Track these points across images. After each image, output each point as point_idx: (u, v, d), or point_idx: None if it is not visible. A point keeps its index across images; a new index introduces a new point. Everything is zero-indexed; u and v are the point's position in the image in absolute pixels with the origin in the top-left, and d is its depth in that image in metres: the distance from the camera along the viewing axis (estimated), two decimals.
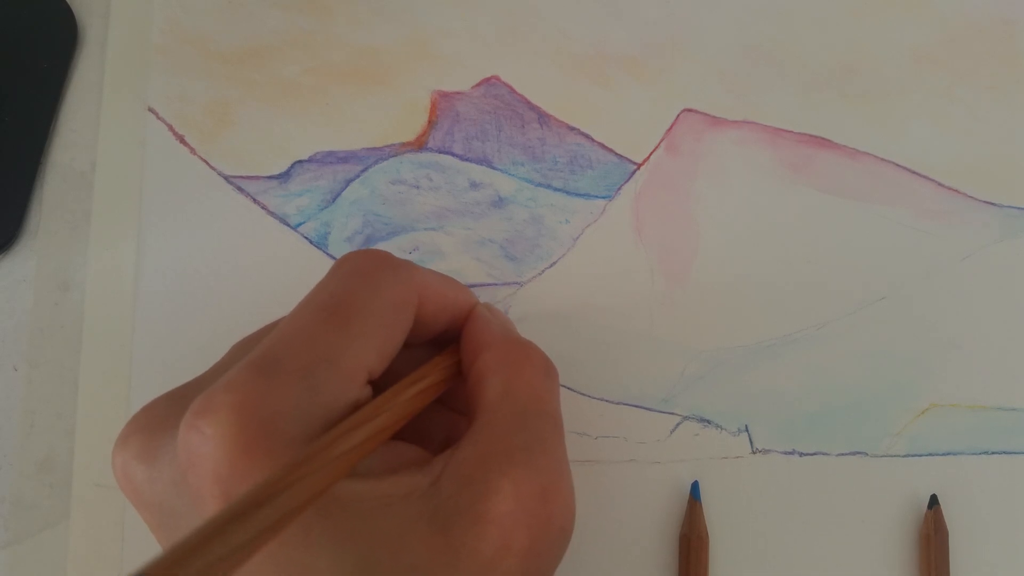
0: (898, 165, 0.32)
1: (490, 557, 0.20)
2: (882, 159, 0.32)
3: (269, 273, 0.30)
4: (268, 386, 0.19)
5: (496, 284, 0.30)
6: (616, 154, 0.31)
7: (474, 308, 0.25)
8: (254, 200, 0.31)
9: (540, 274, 0.31)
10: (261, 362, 0.20)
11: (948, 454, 0.30)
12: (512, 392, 0.22)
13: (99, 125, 0.31)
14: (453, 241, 0.31)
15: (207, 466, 0.19)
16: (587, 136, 0.32)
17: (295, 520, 0.17)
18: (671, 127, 0.32)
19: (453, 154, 0.31)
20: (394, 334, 0.22)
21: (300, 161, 0.31)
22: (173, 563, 0.15)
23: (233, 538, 0.16)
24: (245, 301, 0.30)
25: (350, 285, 0.22)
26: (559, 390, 0.24)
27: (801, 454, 0.29)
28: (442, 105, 0.32)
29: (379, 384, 0.22)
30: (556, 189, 0.31)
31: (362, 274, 0.22)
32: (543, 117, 0.32)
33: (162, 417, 0.21)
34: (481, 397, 0.23)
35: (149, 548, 0.28)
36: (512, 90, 0.32)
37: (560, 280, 0.30)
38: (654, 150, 0.32)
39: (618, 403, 0.30)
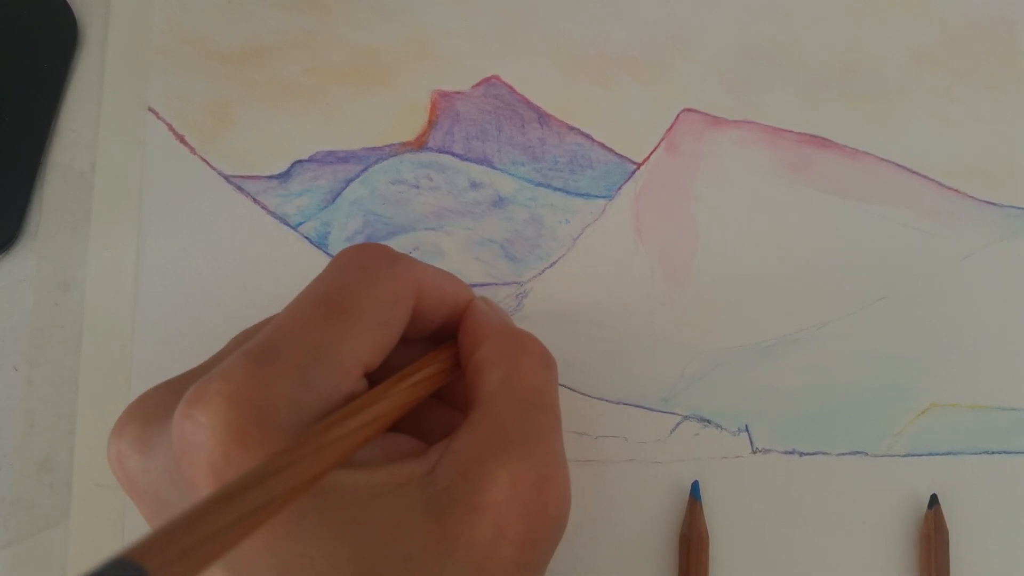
0: (898, 165, 0.32)
1: (486, 545, 0.20)
2: (882, 159, 0.32)
3: (269, 273, 0.30)
4: (263, 376, 0.19)
5: (496, 284, 0.30)
6: (616, 154, 0.31)
7: (472, 302, 0.25)
8: (254, 200, 0.31)
9: (540, 274, 0.31)
10: (257, 352, 0.20)
11: (948, 454, 0.30)
12: (510, 383, 0.22)
13: (99, 125, 0.31)
14: (453, 241, 0.31)
15: (201, 455, 0.19)
16: (587, 136, 0.32)
17: (286, 506, 0.17)
18: (671, 127, 0.32)
19: (453, 154, 0.31)
20: (391, 328, 0.22)
21: (300, 161, 0.31)
22: (158, 544, 0.15)
23: (220, 520, 0.16)
24: (245, 301, 0.30)
25: (348, 278, 0.22)
26: (557, 382, 0.24)
27: (801, 454, 0.29)
28: (442, 105, 0.32)
29: (376, 378, 0.22)
30: (556, 189, 0.31)
31: (360, 268, 0.22)
32: (543, 117, 0.32)
33: (158, 406, 0.21)
34: (479, 388, 0.23)
35: None
36: (512, 90, 0.32)
37: (560, 280, 0.30)
38: (654, 150, 0.32)
39: (618, 403, 0.30)
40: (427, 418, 0.25)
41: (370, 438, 0.20)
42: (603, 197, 0.31)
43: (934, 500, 0.29)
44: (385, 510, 0.20)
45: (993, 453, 0.30)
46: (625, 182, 0.31)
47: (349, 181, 0.31)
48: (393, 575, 0.19)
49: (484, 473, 0.20)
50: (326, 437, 0.19)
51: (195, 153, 0.31)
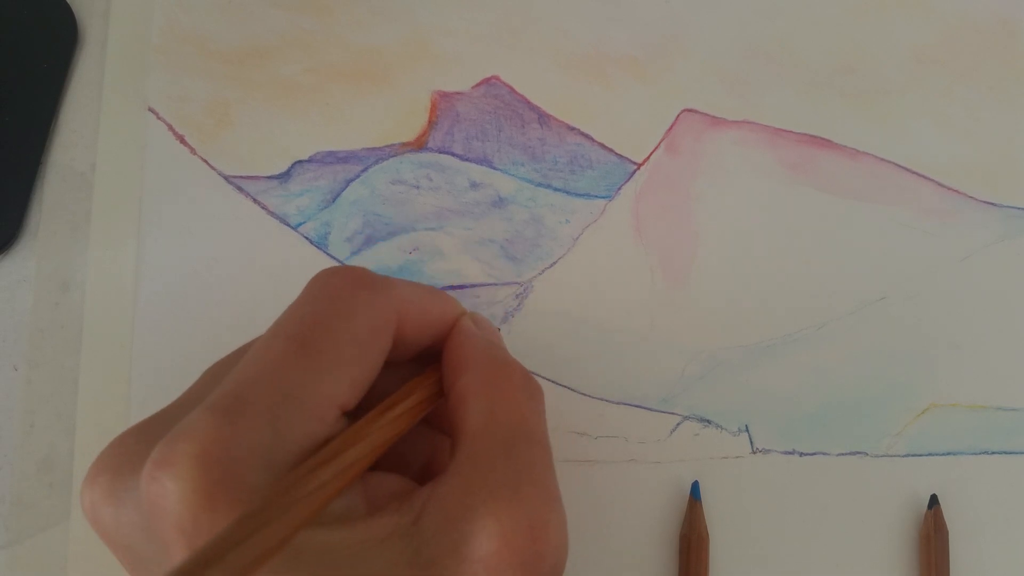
0: (898, 165, 0.32)
1: None
2: (882, 159, 0.32)
3: (269, 273, 0.30)
4: (230, 431, 0.18)
5: (496, 284, 0.30)
6: (616, 154, 0.31)
7: (459, 320, 0.24)
8: (254, 200, 0.31)
9: (540, 274, 0.31)
10: (224, 403, 0.19)
11: (948, 454, 0.30)
12: (495, 417, 0.21)
13: (99, 125, 0.31)
14: (453, 241, 0.31)
15: (170, 519, 0.18)
16: (587, 136, 0.32)
17: (256, 571, 0.16)
18: (671, 127, 0.32)
19: (453, 154, 0.31)
20: (370, 361, 0.21)
21: (300, 161, 0.31)
22: None
23: None
24: (245, 301, 0.30)
25: (321, 310, 0.21)
26: (544, 412, 0.22)
27: (801, 454, 0.29)
28: (442, 105, 0.32)
29: (357, 409, 0.21)
30: (556, 189, 0.31)
31: (335, 297, 0.21)
32: (543, 117, 0.32)
33: (129, 456, 0.20)
34: (463, 423, 0.21)
35: None
36: (512, 90, 0.32)
37: (560, 280, 0.30)
38: (654, 150, 0.32)
39: (618, 403, 0.30)
40: (408, 444, 0.23)
41: (348, 483, 0.19)
42: (603, 197, 0.31)
43: (934, 500, 0.29)
44: (366, 567, 0.18)
45: (993, 453, 0.30)
46: (625, 182, 0.31)
47: (349, 181, 0.31)
48: None
49: (472, 522, 0.19)
50: (297, 492, 0.18)
51: (195, 153, 0.31)
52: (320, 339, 0.20)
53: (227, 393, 0.19)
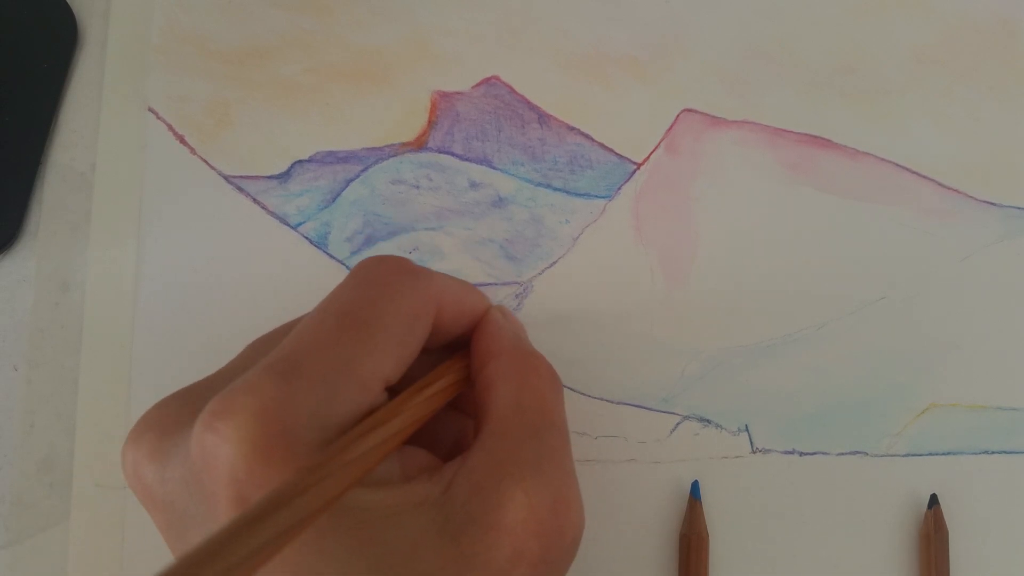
0: (898, 165, 0.32)
1: (502, 566, 0.20)
2: (882, 159, 0.32)
3: (269, 273, 0.30)
4: (288, 391, 0.19)
5: (496, 284, 0.30)
6: (616, 154, 0.31)
7: (488, 312, 0.25)
8: (254, 200, 0.31)
9: (540, 274, 0.31)
10: (281, 366, 0.20)
11: (948, 454, 0.30)
12: (521, 402, 0.22)
13: (99, 125, 0.31)
14: (453, 241, 0.31)
15: (223, 468, 0.19)
16: (587, 136, 0.32)
17: (310, 526, 0.17)
18: (671, 127, 0.32)
19: (453, 154, 0.31)
20: (412, 343, 0.22)
21: (300, 161, 0.31)
22: (190, 568, 0.15)
23: (249, 543, 0.16)
24: (245, 301, 0.30)
25: (369, 294, 0.22)
26: (564, 404, 0.24)
27: (801, 454, 0.29)
28: (442, 105, 0.32)
29: (394, 389, 0.22)
30: (556, 189, 0.31)
31: (381, 283, 0.22)
32: (543, 117, 0.32)
33: (175, 415, 0.21)
34: (490, 405, 0.22)
35: (149, 548, 0.28)
36: (512, 90, 0.32)
37: (560, 280, 0.30)
38: (654, 150, 0.32)
39: (618, 403, 0.30)
40: (437, 425, 0.25)
41: (389, 453, 0.20)
42: (603, 197, 0.31)
43: (934, 500, 0.29)
44: (401, 530, 0.20)
45: (993, 453, 0.30)
46: (625, 182, 0.31)
47: (349, 181, 0.31)
48: None
49: (500, 493, 0.20)
50: (348, 455, 0.19)
51: (195, 153, 0.31)
52: (370, 318, 0.21)
53: (284, 357, 0.20)
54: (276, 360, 0.20)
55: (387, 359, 0.21)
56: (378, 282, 0.22)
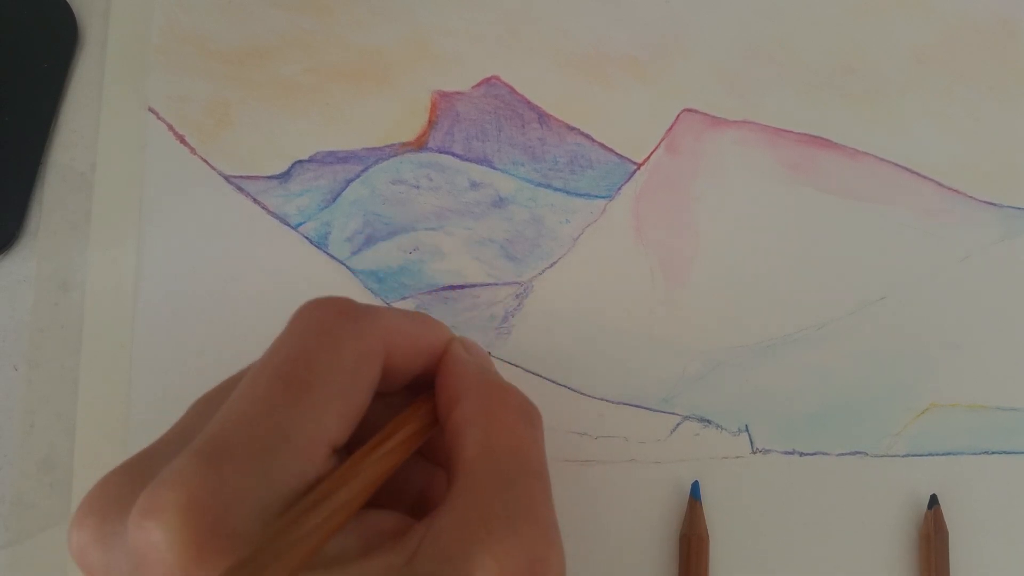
0: (898, 165, 0.32)
1: None
2: (882, 159, 0.32)
3: (269, 273, 0.30)
4: (217, 478, 0.18)
5: (496, 284, 0.30)
6: (616, 154, 0.31)
7: (449, 347, 0.23)
8: (254, 200, 0.31)
9: (540, 274, 0.31)
10: (208, 449, 0.18)
11: (948, 454, 0.30)
12: (491, 448, 0.20)
13: (99, 125, 0.31)
14: (453, 241, 0.31)
15: (159, 570, 0.17)
16: (587, 136, 0.32)
17: None
18: (671, 127, 0.32)
19: (453, 154, 0.31)
20: (358, 394, 0.20)
21: (300, 161, 0.31)
22: None
23: None
24: (245, 301, 0.30)
25: (306, 344, 0.20)
26: (543, 439, 0.22)
27: (801, 454, 0.29)
28: (442, 105, 0.32)
29: (350, 447, 0.20)
30: (556, 189, 0.31)
31: (320, 331, 0.20)
32: (543, 117, 0.32)
33: (116, 498, 0.20)
34: (459, 454, 0.21)
35: None
36: (512, 90, 0.32)
37: (560, 280, 0.30)
38: (654, 150, 0.32)
39: (618, 403, 0.30)
40: (402, 476, 0.23)
41: (341, 525, 0.19)
42: (603, 197, 0.31)
43: (934, 500, 0.29)
44: None
45: (993, 453, 0.30)
46: (625, 182, 0.31)
47: (349, 181, 0.31)
48: None
49: (468, 561, 0.18)
50: (288, 537, 0.17)
51: (195, 153, 0.31)
52: (305, 375, 0.19)
53: (212, 436, 0.19)
54: (204, 442, 0.18)
55: (329, 419, 0.19)
56: (316, 331, 0.20)
